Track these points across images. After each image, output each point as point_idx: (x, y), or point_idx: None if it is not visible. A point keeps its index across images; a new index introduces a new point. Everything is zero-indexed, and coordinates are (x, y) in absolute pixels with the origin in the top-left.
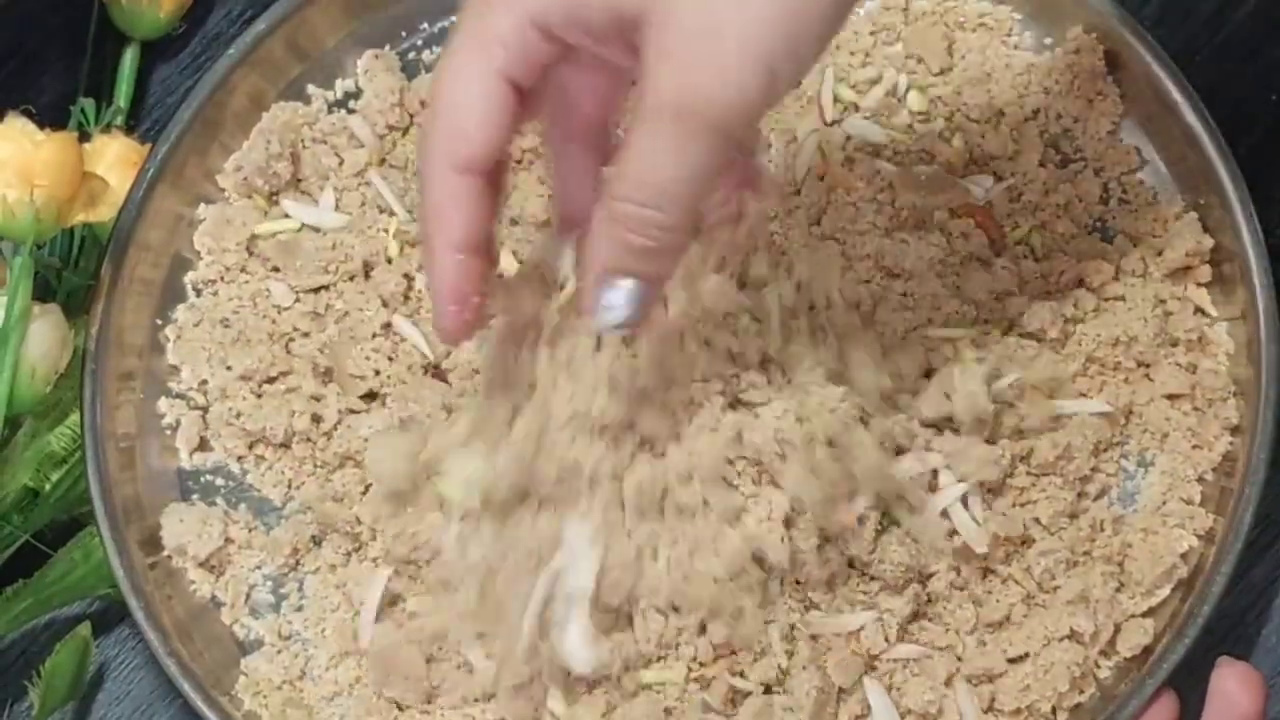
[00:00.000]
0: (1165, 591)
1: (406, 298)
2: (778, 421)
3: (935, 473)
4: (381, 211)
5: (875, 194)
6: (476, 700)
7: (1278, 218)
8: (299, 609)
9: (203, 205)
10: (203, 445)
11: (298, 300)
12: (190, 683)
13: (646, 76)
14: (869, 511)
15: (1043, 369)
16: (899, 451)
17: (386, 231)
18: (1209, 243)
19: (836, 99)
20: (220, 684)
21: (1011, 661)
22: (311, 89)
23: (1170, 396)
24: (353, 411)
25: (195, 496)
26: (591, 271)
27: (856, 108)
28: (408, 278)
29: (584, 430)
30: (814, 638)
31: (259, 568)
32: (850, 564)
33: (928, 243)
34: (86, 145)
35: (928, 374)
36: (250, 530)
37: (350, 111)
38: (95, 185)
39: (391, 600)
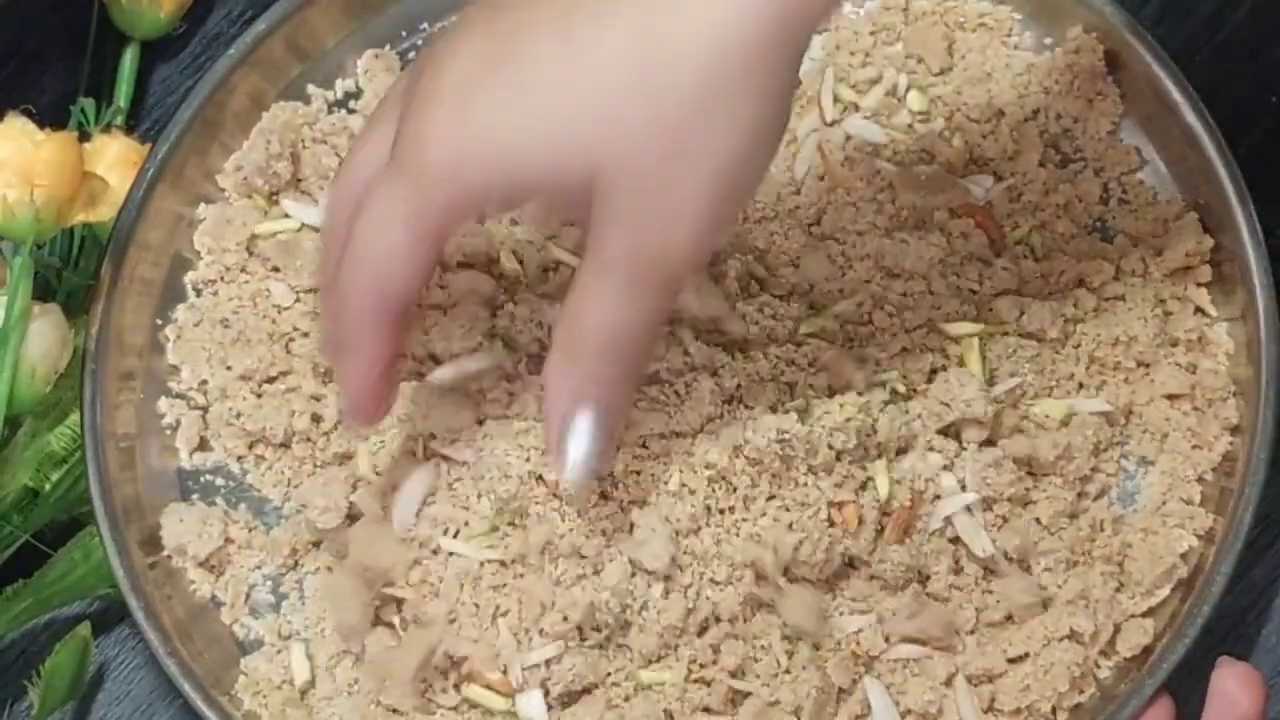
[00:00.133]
0: (1165, 591)
1: None
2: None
3: (937, 475)
4: None
5: (875, 194)
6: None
7: (1278, 218)
8: (299, 609)
9: (203, 205)
10: (203, 445)
11: (298, 300)
12: (190, 683)
13: (597, 236)
14: (869, 510)
15: (1043, 369)
16: (900, 451)
17: None
18: (1209, 243)
19: (836, 99)
20: (220, 684)
21: (1011, 661)
22: (311, 89)
23: (1170, 396)
24: None
25: (195, 496)
26: (553, 421)
27: (856, 108)
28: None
29: None
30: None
31: (259, 568)
32: (850, 564)
33: (928, 243)
34: (86, 145)
35: (929, 375)
36: (250, 530)
37: (350, 111)
38: (95, 185)
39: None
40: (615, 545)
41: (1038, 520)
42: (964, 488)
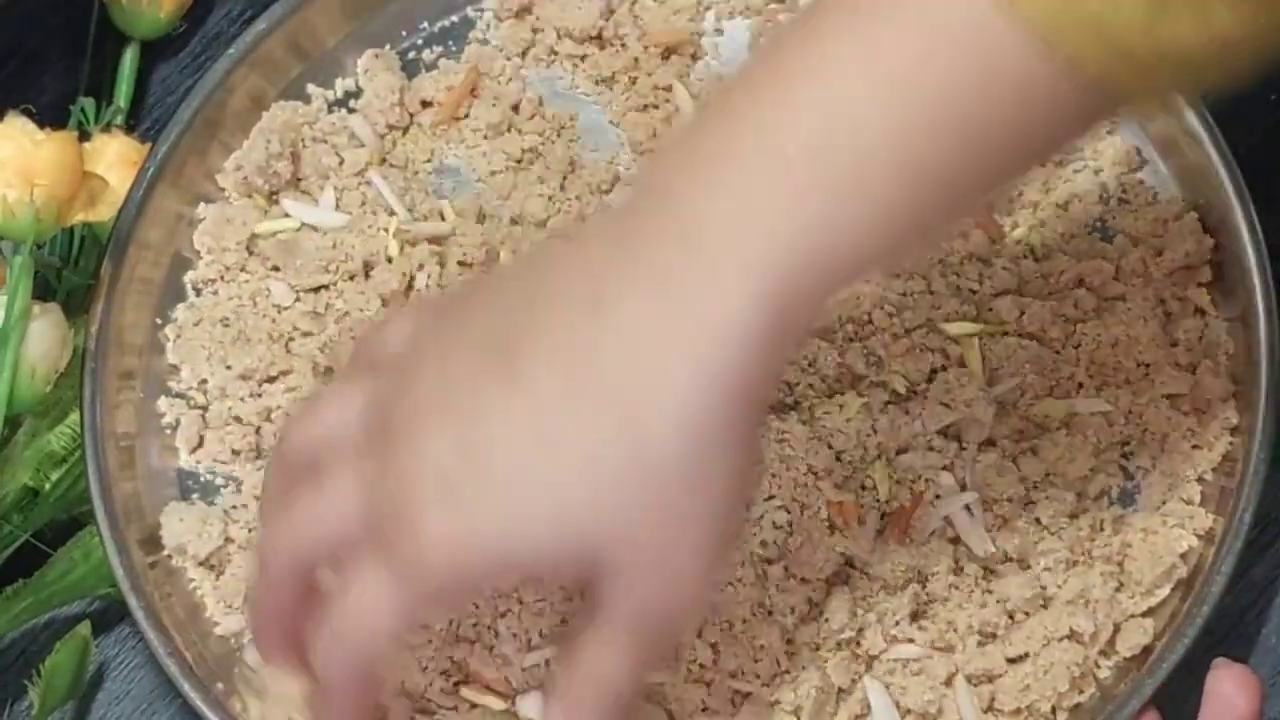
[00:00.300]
0: (1165, 591)
1: (406, 297)
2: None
3: (937, 475)
4: (381, 211)
5: None
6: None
7: (1278, 218)
8: None
9: (203, 204)
10: (202, 444)
11: (298, 299)
12: (190, 682)
13: (603, 603)
14: (869, 510)
15: (1043, 369)
16: (900, 451)
17: (386, 231)
18: (1209, 243)
19: None
20: (221, 683)
21: (1011, 661)
22: (312, 88)
23: (1170, 397)
24: None
25: (195, 496)
26: None
27: None
28: (408, 278)
29: None
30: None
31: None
32: (850, 564)
33: None
34: (86, 145)
35: (929, 375)
36: (250, 530)
37: (350, 111)
38: (95, 185)
39: None
40: None
41: (1038, 520)
42: (963, 487)
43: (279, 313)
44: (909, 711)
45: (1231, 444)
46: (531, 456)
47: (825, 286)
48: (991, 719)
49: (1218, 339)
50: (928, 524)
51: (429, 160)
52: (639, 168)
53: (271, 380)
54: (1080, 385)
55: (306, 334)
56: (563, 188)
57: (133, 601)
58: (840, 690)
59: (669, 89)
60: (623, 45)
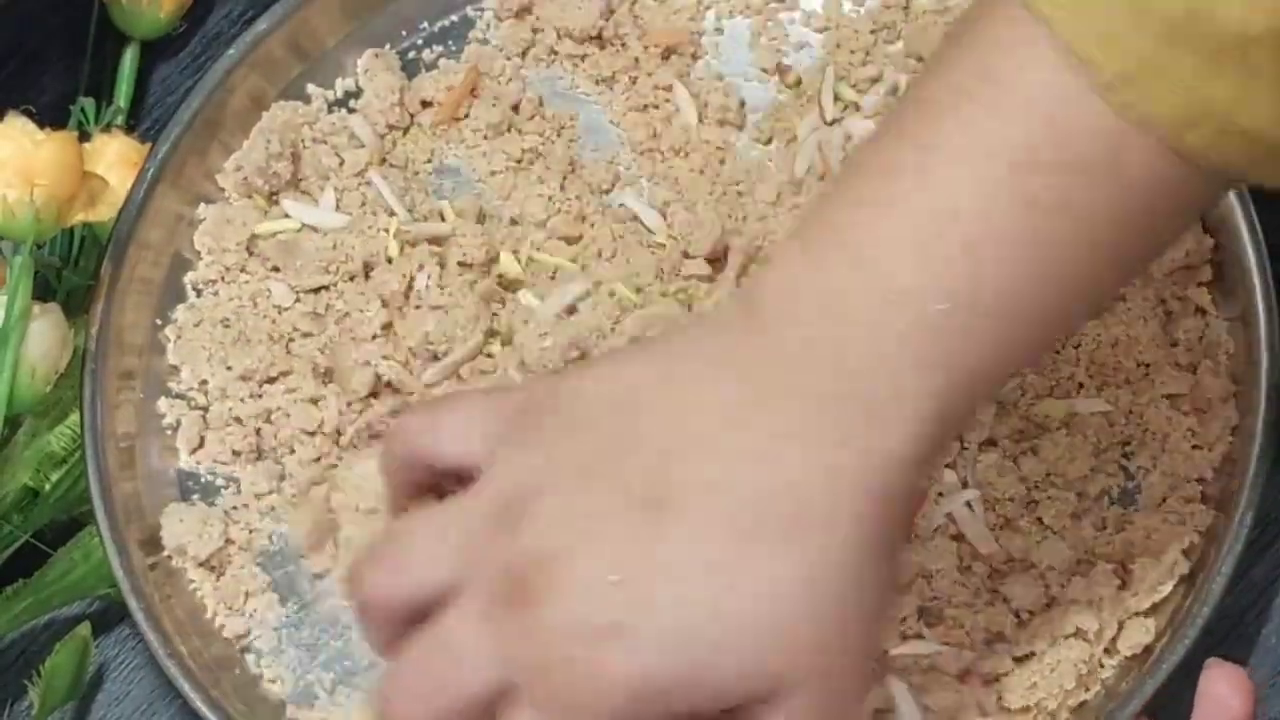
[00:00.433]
0: (1168, 588)
1: (407, 298)
2: None
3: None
4: (381, 211)
5: None
6: None
7: (1278, 217)
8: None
9: (203, 205)
10: (203, 445)
11: (298, 300)
12: (190, 683)
13: None
14: None
15: (1043, 369)
16: None
17: (387, 231)
18: (1209, 242)
19: (837, 98)
20: (220, 684)
21: (1017, 661)
22: (312, 88)
23: (1170, 397)
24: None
25: (195, 496)
26: None
27: (857, 107)
28: (408, 278)
29: None
30: None
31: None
32: None
33: None
34: (87, 145)
35: None
36: (251, 531)
37: (350, 111)
38: (95, 185)
39: None
40: None
41: (1040, 521)
42: (965, 485)
43: (279, 313)
44: (928, 709)
45: (1232, 444)
46: (706, 590)
47: (970, 407)
48: (1005, 718)
49: (1218, 339)
50: (931, 521)
51: (429, 160)
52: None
53: (272, 381)
54: (1080, 385)
55: (307, 335)
56: (563, 188)
57: (133, 603)
58: None
59: (669, 89)
60: (623, 45)
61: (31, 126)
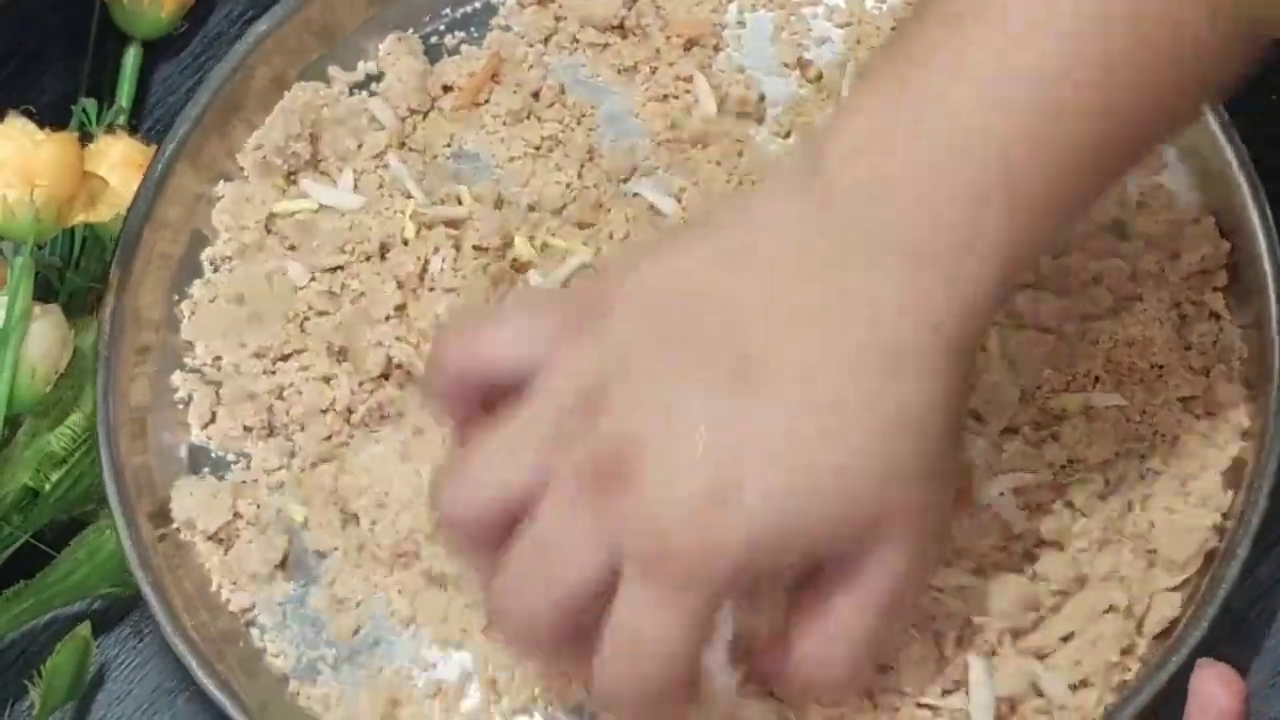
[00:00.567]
0: (1198, 563)
1: (421, 280)
2: None
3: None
4: (399, 194)
5: None
6: None
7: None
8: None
9: (222, 182)
10: (215, 420)
11: (313, 279)
12: (195, 656)
13: (868, 578)
14: None
15: (1059, 363)
16: None
17: (403, 214)
18: (1226, 247)
19: None
20: (225, 657)
21: (1062, 640)
22: (333, 70)
23: (1183, 399)
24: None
25: (206, 471)
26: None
27: None
28: (423, 260)
29: None
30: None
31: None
32: None
33: None
34: (90, 146)
35: None
36: (259, 506)
37: (371, 94)
38: (95, 185)
39: None
40: None
41: (1070, 504)
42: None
43: (294, 292)
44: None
45: (1242, 448)
46: (803, 446)
47: (1038, 247)
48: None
49: (1232, 344)
50: (978, 499)
51: (448, 145)
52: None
53: (285, 359)
54: (1097, 379)
55: (321, 314)
56: (580, 176)
57: (140, 574)
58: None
59: (690, 80)
60: (644, 35)
61: (31, 127)
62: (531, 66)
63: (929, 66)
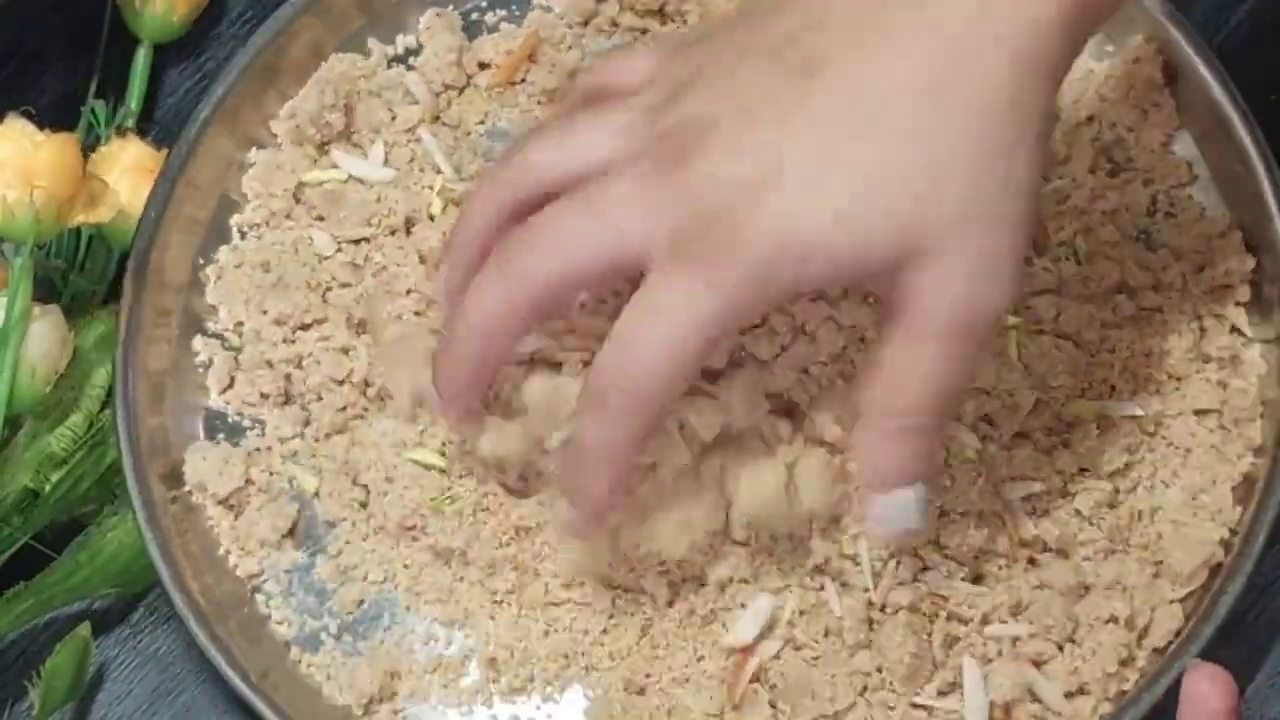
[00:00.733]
0: (1203, 576)
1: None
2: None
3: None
4: (429, 169)
5: None
6: None
7: None
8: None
9: (254, 149)
10: (233, 385)
11: (339, 250)
12: (197, 619)
13: (914, 306)
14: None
15: (1076, 370)
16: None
17: (431, 189)
18: (1250, 262)
19: None
20: (227, 621)
21: (1060, 646)
22: (372, 42)
23: (1198, 412)
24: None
25: (221, 436)
26: (875, 489)
27: None
28: (448, 236)
29: None
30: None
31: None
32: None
33: None
34: (100, 149)
35: None
36: (271, 474)
37: (409, 68)
38: (95, 186)
39: None
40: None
41: (1078, 511)
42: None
43: (319, 262)
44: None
45: (1253, 464)
46: (854, 143)
47: None
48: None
49: (1251, 359)
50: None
51: (481, 122)
52: None
53: (305, 328)
54: (1113, 388)
55: (344, 285)
56: None
57: (148, 533)
58: (935, 662)
59: None
60: (684, 20)
61: (31, 127)
62: (570, 47)
63: None
